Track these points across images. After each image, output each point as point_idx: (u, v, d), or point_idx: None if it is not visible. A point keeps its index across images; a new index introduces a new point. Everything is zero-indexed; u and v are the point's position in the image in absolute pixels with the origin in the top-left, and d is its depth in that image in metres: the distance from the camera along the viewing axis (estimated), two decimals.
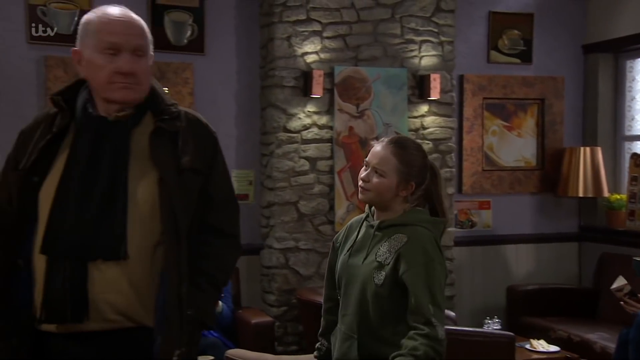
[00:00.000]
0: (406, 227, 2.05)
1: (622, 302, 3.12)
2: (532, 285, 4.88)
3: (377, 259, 2.03)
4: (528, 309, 4.67)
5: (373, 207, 2.17)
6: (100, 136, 1.69)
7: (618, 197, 4.98)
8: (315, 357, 2.27)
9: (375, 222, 2.10)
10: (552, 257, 5.19)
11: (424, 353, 1.88)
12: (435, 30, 4.58)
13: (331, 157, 4.38)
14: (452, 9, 4.63)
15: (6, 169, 1.77)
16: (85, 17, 1.73)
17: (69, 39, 3.97)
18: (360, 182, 2.11)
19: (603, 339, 4.00)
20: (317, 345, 2.27)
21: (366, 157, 2.13)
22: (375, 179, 2.07)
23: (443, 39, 4.61)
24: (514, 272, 5.09)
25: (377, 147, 2.11)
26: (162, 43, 4.13)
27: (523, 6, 5.11)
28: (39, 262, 1.65)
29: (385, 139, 2.14)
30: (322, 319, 2.26)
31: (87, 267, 1.62)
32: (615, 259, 4.74)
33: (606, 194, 4.98)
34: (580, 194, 4.95)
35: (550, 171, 5.16)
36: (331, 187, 4.39)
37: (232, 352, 2.59)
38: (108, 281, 1.62)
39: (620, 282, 3.15)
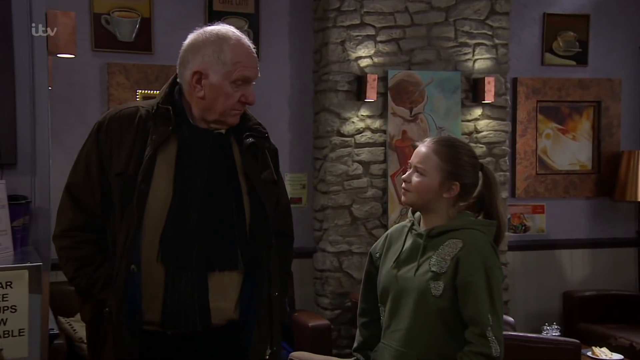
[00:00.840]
0: (458, 232, 1.92)
1: None
2: (589, 291, 4.78)
3: (432, 269, 1.90)
4: (585, 316, 4.59)
5: (417, 214, 2.05)
6: (213, 150, 1.75)
7: None
8: None
9: (424, 230, 1.98)
10: (608, 263, 5.08)
11: None
12: (490, 33, 4.55)
13: (384, 161, 4.39)
14: (506, 11, 4.59)
15: (90, 168, 1.73)
16: (209, 38, 1.72)
17: (130, 46, 4.09)
18: (402, 184, 2.00)
19: None
20: None
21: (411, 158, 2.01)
22: (415, 178, 1.96)
23: (497, 41, 4.57)
24: (569, 278, 5.00)
25: (420, 147, 2.00)
26: None
27: (579, 7, 5.02)
28: (154, 270, 1.69)
29: (428, 139, 2.03)
30: (357, 333, 2.13)
31: (207, 277, 1.70)
32: None
33: None
34: None
35: (607, 175, 5.06)
36: (384, 190, 4.39)
37: (297, 354, 2.61)
38: (221, 290, 1.72)
39: None
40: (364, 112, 4.35)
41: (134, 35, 4.08)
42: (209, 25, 1.78)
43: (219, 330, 1.73)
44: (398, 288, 1.97)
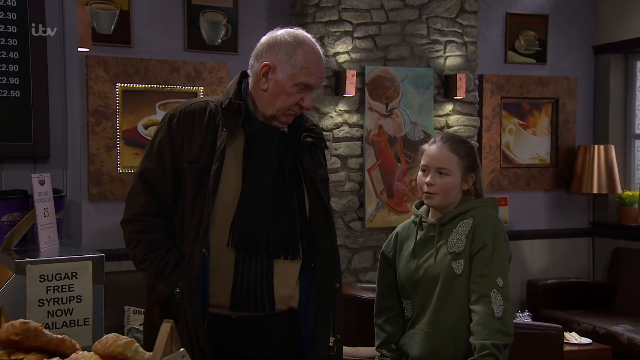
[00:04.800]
0: (467, 213, 2.07)
1: None
2: (551, 279, 5.03)
3: (450, 251, 2.04)
4: (548, 303, 4.82)
5: (423, 207, 2.17)
6: (280, 145, 1.82)
7: (630, 193, 5.16)
8: None
9: (435, 220, 2.11)
10: (565, 252, 5.35)
11: (494, 343, 1.95)
12: (460, 31, 4.71)
13: (361, 155, 4.48)
14: (475, 10, 4.76)
15: (162, 157, 1.78)
16: (287, 39, 1.80)
17: (109, 38, 4.03)
18: (425, 188, 2.09)
19: (628, 330, 4.16)
20: (378, 358, 2.19)
21: (423, 162, 2.11)
22: (440, 180, 2.08)
23: (467, 39, 4.73)
24: (530, 267, 5.24)
25: (433, 149, 2.11)
26: (197, 43, 4.21)
27: (538, 7, 5.26)
28: (224, 255, 1.76)
29: (435, 139, 2.14)
30: (379, 331, 2.19)
31: (273, 264, 1.78)
32: (629, 253, 4.92)
33: (619, 190, 5.15)
34: (595, 191, 5.11)
35: (564, 168, 5.33)
36: (361, 184, 4.49)
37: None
38: (283, 276, 1.81)
39: None
40: (342, 107, 4.43)
41: (112, 27, 4.02)
42: (289, 28, 1.85)
43: (280, 316, 1.81)
44: (423, 278, 2.09)
